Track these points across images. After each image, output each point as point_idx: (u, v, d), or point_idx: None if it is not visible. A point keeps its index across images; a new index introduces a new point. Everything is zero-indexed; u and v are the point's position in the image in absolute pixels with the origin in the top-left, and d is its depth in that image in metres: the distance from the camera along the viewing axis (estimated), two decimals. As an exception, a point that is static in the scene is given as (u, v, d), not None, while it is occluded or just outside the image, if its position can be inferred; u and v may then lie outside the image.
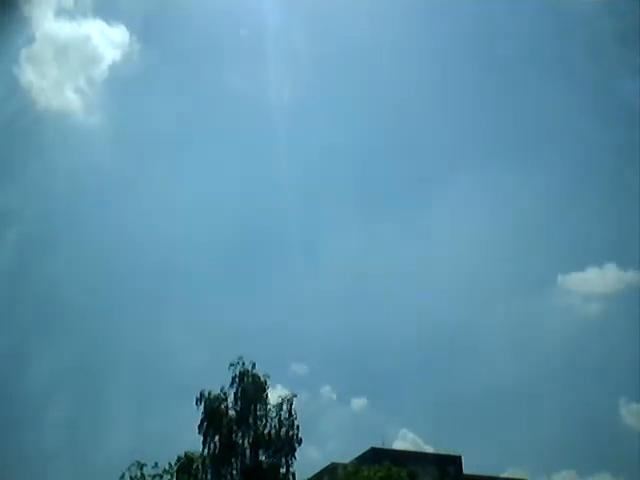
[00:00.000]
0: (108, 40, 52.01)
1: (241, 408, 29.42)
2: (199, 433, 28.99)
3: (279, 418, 29.42)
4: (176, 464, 27.86)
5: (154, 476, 26.67)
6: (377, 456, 36.13)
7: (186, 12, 50.79)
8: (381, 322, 49.76)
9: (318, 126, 57.32)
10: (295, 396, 29.91)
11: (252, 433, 29.23)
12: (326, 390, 45.24)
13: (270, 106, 52.49)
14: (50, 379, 37.76)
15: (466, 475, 42.58)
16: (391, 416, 45.83)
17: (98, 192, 50.01)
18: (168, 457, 27.55)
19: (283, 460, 29.17)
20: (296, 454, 29.30)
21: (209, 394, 29.39)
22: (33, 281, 42.53)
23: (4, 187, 38.28)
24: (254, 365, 29.52)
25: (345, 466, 32.59)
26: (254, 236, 54.71)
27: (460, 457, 43.44)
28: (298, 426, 29.54)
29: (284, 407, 29.56)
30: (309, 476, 32.42)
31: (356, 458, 37.11)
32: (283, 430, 29.29)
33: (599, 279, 52.85)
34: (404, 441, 44.78)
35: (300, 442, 29.52)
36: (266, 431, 29.27)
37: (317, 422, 37.15)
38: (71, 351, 40.02)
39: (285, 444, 29.14)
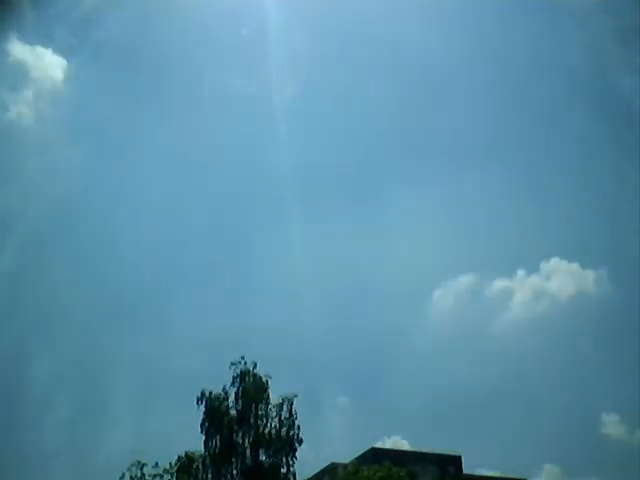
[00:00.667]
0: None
1: (242, 408, 29.44)
2: (201, 432, 29.01)
3: (279, 418, 29.42)
4: (176, 464, 27.92)
5: (154, 476, 26.75)
6: (377, 456, 36.14)
7: (186, 11, 50.66)
8: (369, 322, 49.85)
9: (318, 126, 57.35)
10: (296, 396, 29.88)
11: (252, 433, 29.22)
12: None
13: (270, 106, 52.56)
14: (50, 379, 37.79)
15: (466, 475, 42.66)
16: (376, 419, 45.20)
17: (90, 193, 50.03)
18: (168, 457, 27.68)
19: (284, 460, 29.18)
20: (297, 454, 29.38)
21: (210, 394, 29.39)
22: (33, 282, 42.56)
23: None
24: (255, 365, 29.58)
25: (345, 466, 32.60)
26: (252, 236, 54.82)
27: (460, 457, 43.50)
28: (299, 426, 29.55)
29: (285, 407, 29.57)
30: (309, 476, 32.45)
31: (356, 458, 37.11)
32: (284, 430, 29.28)
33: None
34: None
35: (301, 442, 29.49)
36: (267, 431, 29.26)
37: (317, 422, 37.02)
38: (71, 351, 40.10)
39: (285, 444, 29.12)
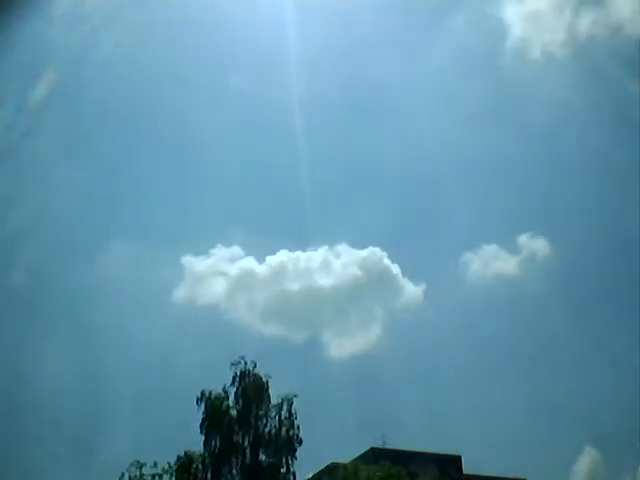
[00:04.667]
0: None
1: (242, 408, 29.41)
2: (200, 432, 28.97)
3: (279, 418, 29.39)
4: (176, 463, 27.88)
5: (154, 475, 26.69)
6: (377, 456, 36.11)
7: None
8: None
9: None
10: (295, 396, 29.88)
11: (252, 433, 29.20)
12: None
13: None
14: (50, 378, 37.79)
15: (466, 475, 42.62)
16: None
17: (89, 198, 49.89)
18: (168, 457, 27.62)
19: (283, 460, 29.14)
20: (296, 454, 29.32)
21: (210, 393, 29.37)
22: (33, 283, 42.60)
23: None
24: (255, 365, 29.57)
25: (345, 466, 32.51)
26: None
27: (460, 457, 43.48)
28: (299, 426, 29.51)
29: (284, 407, 29.55)
30: (309, 476, 32.38)
31: (356, 458, 37.05)
32: (283, 430, 29.25)
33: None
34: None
35: (300, 442, 29.46)
36: (266, 431, 29.24)
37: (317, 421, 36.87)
38: (72, 351, 40.09)
39: (285, 444, 29.09)
